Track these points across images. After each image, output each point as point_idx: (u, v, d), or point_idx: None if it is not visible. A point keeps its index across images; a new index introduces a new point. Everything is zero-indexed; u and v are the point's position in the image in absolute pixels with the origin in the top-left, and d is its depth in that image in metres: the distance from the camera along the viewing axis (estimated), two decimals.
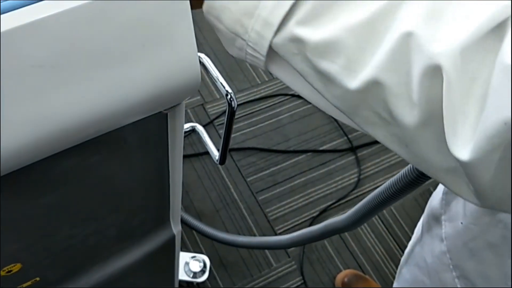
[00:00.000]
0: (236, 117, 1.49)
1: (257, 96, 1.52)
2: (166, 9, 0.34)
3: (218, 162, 0.57)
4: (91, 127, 0.37)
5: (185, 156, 1.41)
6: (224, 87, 0.44)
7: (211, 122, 1.47)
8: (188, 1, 0.36)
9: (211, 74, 0.44)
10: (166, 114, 0.44)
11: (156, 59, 0.35)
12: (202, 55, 0.46)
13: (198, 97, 1.50)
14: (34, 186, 0.44)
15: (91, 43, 0.33)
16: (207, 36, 1.59)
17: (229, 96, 0.45)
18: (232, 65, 1.57)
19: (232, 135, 1.61)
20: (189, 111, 1.48)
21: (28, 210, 0.47)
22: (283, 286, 1.27)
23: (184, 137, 1.66)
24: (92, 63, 0.34)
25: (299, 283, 1.28)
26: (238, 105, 1.51)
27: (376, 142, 1.48)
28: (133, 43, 0.34)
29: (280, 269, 1.29)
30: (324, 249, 1.33)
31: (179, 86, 0.37)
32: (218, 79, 0.44)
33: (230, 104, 0.46)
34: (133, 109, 0.37)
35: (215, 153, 0.55)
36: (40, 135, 0.35)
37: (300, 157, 1.44)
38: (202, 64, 0.47)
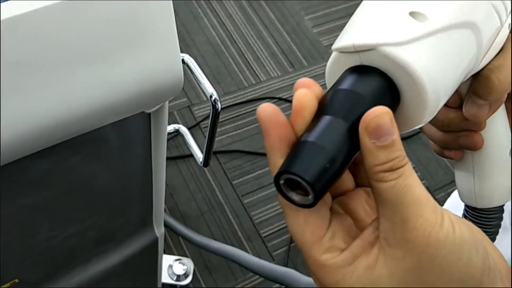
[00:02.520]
0: (222, 119, 1.49)
1: (244, 99, 1.52)
2: (147, 9, 0.34)
3: (202, 164, 0.56)
4: (71, 126, 0.36)
5: (170, 158, 1.40)
6: (208, 89, 0.44)
7: (197, 124, 1.46)
8: (171, 1, 0.35)
9: (195, 75, 0.44)
10: (149, 114, 0.44)
11: (137, 58, 0.35)
12: (187, 56, 0.45)
13: (185, 99, 1.50)
14: (12, 186, 0.44)
15: (71, 42, 0.33)
16: (195, 38, 1.59)
17: (213, 98, 0.45)
18: (219, 68, 1.56)
19: (218, 138, 1.60)
20: (175, 113, 1.48)
21: (6, 211, 0.46)
22: None
23: (170, 139, 1.65)
24: (72, 61, 0.33)
25: (283, 286, 1.28)
26: (225, 108, 1.50)
27: None
28: (114, 42, 0.34)
29: None
30: None
31: (161, 86, 0.37)
32: (202, 81, 0.44)
33: (214, 106, 0.46)
34: (113, 109, 0.36)
35: (199, 155, 0.55)
36: (18, 134, 0.34)
37: None
38: (186, 65, 0.46)
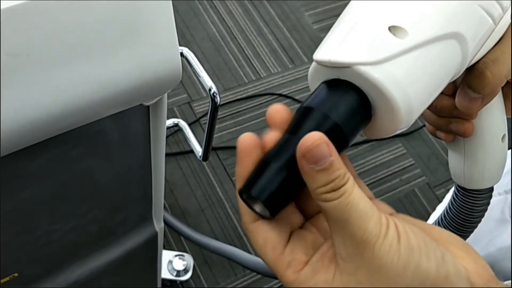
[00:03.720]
0: (223, 116, 1.49)
1: (244, 95, 1.52)
2: (145, 0, 0.34)
3: (201, 159, 0.56)
4: (68, 117, 0.36)
5: (170, 154, 1.40)
6: (206, 82, 0.44)
7: (197, 120, 1.46)
8: None
9: (194, 69, 0.44)
10: (148, 107, 0.44)
11: (135, 50, 0.35)
12: (185, 49, 0.45)
13: (185, 95, 1.50)
14: (12, 179, 0.44)
15: (68, 33, 0.33)
16: (195, 34, 1.59)
17: (212, 91, 0.45)
18: (219, 64, 1.56)
19: (219, 134, 1.60)
20: (175, 109, 1.47)
21: (6, 204, 0.46)
22: (267, 286, 1.27)
23: (170, 135, 1.65)
24: (70, 53, 0.33)
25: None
26: (225, 104, 1.50)
27: (360, 143, 1.49)
28: (112, 33, 0.33)
29: None
30: None
31: (159, 77, 0.36)
32: (201, 74, 0.44)
33: (213, 100, 0.46)
34: (111, 100, 0.36)
35: (198, 150, 0.55)
36: (16, 125, 0.34)
37: None
38: (185, 58, 0.46)
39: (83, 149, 0.45)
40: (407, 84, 0.26)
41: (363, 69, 0.25)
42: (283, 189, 0.26)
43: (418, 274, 0.24)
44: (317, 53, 0.27)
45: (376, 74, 0.25)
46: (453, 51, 0.28)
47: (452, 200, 0.40)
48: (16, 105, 0.33)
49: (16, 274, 0.58)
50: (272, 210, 0.26)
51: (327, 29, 1.75)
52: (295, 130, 0.26)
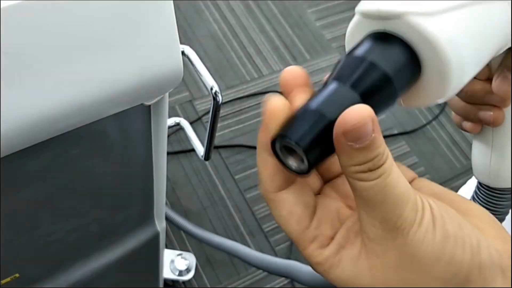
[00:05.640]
0: (224, 114, 1.48)
1: (247, 93, 1.51)
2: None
3: (203, 158, 0.56)
4: (70, 117, 0.36)
5: (172, 153, 1.39)
6: (208, 81, 0.43)
7: (199, 118, 1.46)
8: None
9: (195, 67, 0.43)
10: (149, 107, 0.43)
11: (136, 49, 0.34)
12: (187, 48, 0.45)
13: (186, 93, 1.49)
14: (13, 179, 0.43)
15: (69, 32, 0.32)
16: (197, 32, 1.58)
17: (213, 90, 0.44)
18: (221, 62, 1.56)
19: (221, 132, 1.60)
20: (177, 107, 1.47)
21: (7, 204, 0.45)
22: (270, 285, 1.26)
23: (172, 133, 1.64)
24: (70, 52, 0.33)
25: (285, 281, 1.27)
26: (227, 102, 1.49)
27: None
28: (112, 32, 0.33)
29: None
30: None
31: (160, 77, 0.36)
32: (202, 72, 0.43)
33: (215, 98, 0.45)
34: (112, 100, 0.36)
35: (200, 149, 0.54)
36: (17, 125, 0.34)
37: None
38: (187, 57, 0.46)
39: (84, 149, 0.45)
40: (460, 40, 0.23)
41: (415, 20, 0.23)
42: (327, 137, 0.22)
43: (451, 266, 0.23)
44: (361, 4, 0.25)
45: (429, 26, 0.23)
46: (505, 13, 0.26)
47: (472, 200, 0.38)
48: (17, 105, 0.33)
49: (17, 275, 0.58)
50: (312, 161, 0.22)
51: (330, 26, 1.74)
52: (342, 77, 0.23)
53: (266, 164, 0.25)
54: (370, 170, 0.22)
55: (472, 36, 0.24)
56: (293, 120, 0.23)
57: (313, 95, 0.24)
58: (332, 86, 0.23)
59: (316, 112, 0.23)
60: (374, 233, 0.23)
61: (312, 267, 0.25)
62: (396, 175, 0.22)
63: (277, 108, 0.24)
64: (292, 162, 0.24)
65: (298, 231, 0.25)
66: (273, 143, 0.23)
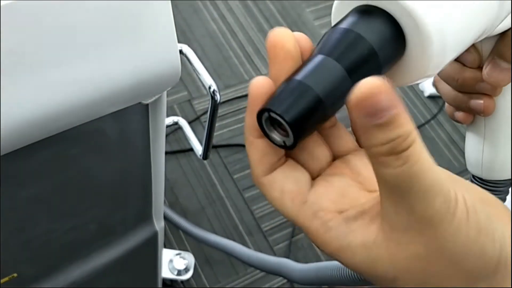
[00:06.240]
0: (223, 113, 1.48)
1: (245, 93, 1.51)
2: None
3: (201, 157, 0.55)
4: (67, 116, 0.35)
5: (170, 153, 1.39)
6: (206, 80, 0.43)
7: (198, 118, 1.46)
8: None
9: (193, 66, 0.43)
10: (147, 106, 0.43)
11: (133, 48, 0.34)
12: (185, 47, 0.45)
13: (185, 93, 1.49)
14: (11, 178, 0.43)
15: (67, 31, 0.32)
16: (195, 31, 1.58)
17: (211, 89, 0.44)
18: (219, 61, 1.55)
19: (219, 132, 1.60)
20: (175, 106, 1.47)
21: (5, 204, 0.45)
22: (269, 284, 1.26)
23: (170, 132, 1.64)
24: (68, 51, 0.33)
25: (284, 281, 1.27)
26: (225, 101, 1.49)
27: None
28: (110, 31, 0.33)
29: None
30: (310, 247, 1.32)
31: (158, 75, 0.36)
32: (200, 71, 0.43)
33: (213, 97, 0.45)
34: (110, 99, 0.36)
35: (198, 148, 0.54)
36: (15, 124, 0.34)
37: None
38: (185, 56, 0.45)
39: (82, 147, 0.45)
40: (444, 15, 0.23)
41: None
42: (312, 109, 0.22)
43: (481, 259, 0.21)
44: None
45: None
46: None
47: None
48: (14, 103, 0.33)
49: (15, 275, 0.58)
50: (297, 134, 0.22)
51: (328, 25, 1.74)
52: (326, 49, 0.23)
53: (253, 147, 0.24)
54: (394, 153, 0.20)
55: (457, 13, 0.24)
56: (278, 94, 0.23)
57: (298, 68, 0.23)
58: (317, 58, 0.23)
59: (301, 84, 0.22)
60: (398, 222, 0.21)
61: (321, 250, 0.24)
62: (425, 164, 0.20)
63: (260, 86, 0.23)
64: (278, 136, 0.23)
65: (294, 209, 0.23)
66: (259, 118, 0.23)
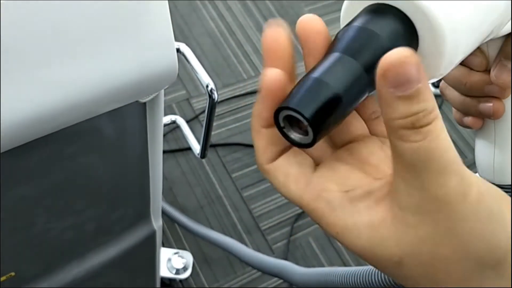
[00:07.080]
0: (221, 112, 1.48)
1: (243, 92, 1.51)
2: None
3: (199, 156, 0.55)
4: (64, 115, 0.35)
5: (169, 152, 1.39)
6: (203, 78, 0.43)
7: (196, 117, 1.46)
8: None
9: (191, 64, 0.43)
10: (144, 104, 0.43)
11: (130, 46, 0.34)
12: (183, 45, 0.45)
13: (183, 91, 1.49)
14: (8, 176, 0.43)
15: (64, 30, 0.32)
16: (193, 30, 1.58)
17: (209, 88, 0.44)
18: (218, 60, 1.55)
19: (217, 131, 1.60)
20: (173, 105, 1.47)
21: (1, 203, 0.45)
22: (267, 284, 1.26)
23: (169, 131, 1.64)
24: (65, 49, 0.33)
25: (282, 280, 1.28)
26: (224, 100, 1.49)
27: None
28: (107, 30, 0.33)
29: None
30: (308, 246, 1.32)
31: (155, 74, 0.36)
32: (198, 70, 0.43)
33: (210, 96, 0.45)
34: (107, 97, 0.35)
35: (196, 147, 0.54)
36: (12, 122, 0.34)
37: None
38: (182, 54, 0.45)
39: (79, 146, 0.45)
40: (455, 12, 0.23)
41: None
42: (331, 108, 0.22)
43: (491, 244, 0.21)
44: None
45: None
46: None
47: None
48: (11, 102, 0.33)
49: (12, 274, 0.58)
50: (316, 131, 0.22)
51: (327, 24, 1.75)
52: (341, 47, 0.23)
53: (260, 136, 0.24)
54: (414, 126, 0.20)
55: (468, 11, 0.24)
56: (295, 92, 0.23)
57: (315, 66, 0.23)
58: (333, 56, 0.23)
59: (319, 81, 0.22)
60: (409, 203, 0.21)
61: (326, 233, 0.24)
62: (444, 142, 0.20)
63: (274, 80, 0.23)
64: (295, 134, 0.23)
65: (298, 191, 0.23)
66: (276, 116, 0.23)
